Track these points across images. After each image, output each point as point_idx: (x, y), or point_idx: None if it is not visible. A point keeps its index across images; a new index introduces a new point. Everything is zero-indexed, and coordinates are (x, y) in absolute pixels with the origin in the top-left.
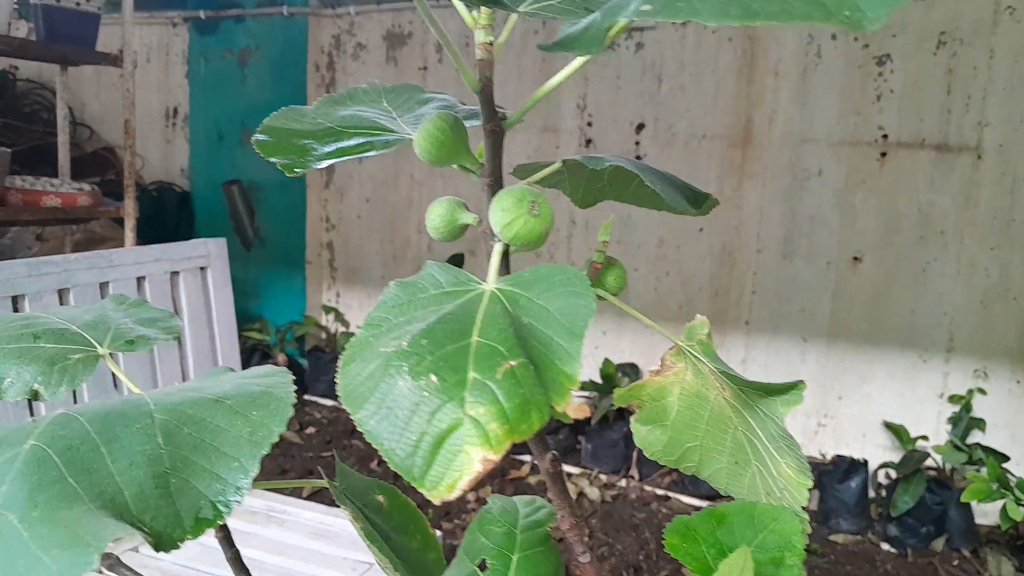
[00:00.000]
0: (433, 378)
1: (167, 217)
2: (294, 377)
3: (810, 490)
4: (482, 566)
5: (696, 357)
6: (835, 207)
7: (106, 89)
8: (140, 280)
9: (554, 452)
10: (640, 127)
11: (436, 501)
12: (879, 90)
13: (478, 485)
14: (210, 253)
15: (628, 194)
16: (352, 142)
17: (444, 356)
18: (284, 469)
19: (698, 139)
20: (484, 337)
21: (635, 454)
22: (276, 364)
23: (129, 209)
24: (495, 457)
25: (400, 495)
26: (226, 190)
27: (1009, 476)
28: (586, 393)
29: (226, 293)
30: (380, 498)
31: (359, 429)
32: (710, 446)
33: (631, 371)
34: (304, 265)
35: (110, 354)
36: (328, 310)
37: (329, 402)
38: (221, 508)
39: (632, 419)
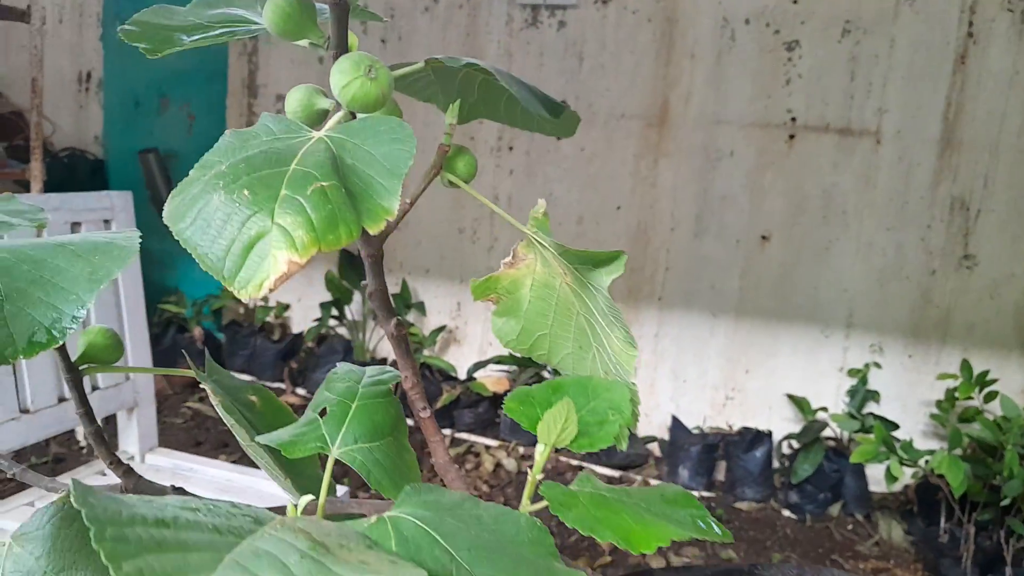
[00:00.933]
0: (246, 193)
1: (79, 185)
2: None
3: (634, 365)
4: (322, 413)
5: (543, 246)
6: (745, 187)
7: (15, 51)
8: (39, 231)
9: (399, 317)
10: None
11: (245, 299)
12: (788, 75)
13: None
14: (115, 206)
15: (500, 111)
16: (216, 32)
17: (259, 177)
18: (199, 441)
19: (617, 118)
20: (301, 165)
21: None
22: (192, 338)
23: (36, 172)
24: (301, 261)
25: (274, 398)
26: (142, 159)
27: (896, 441)
28: (505, 367)
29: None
30: (253, 397)
31: (178, 239)
32: (558, 333)
33: None
34: None
35: None
36: None
37: (247, 377)
38: (55, 334)
39: (491, 314)
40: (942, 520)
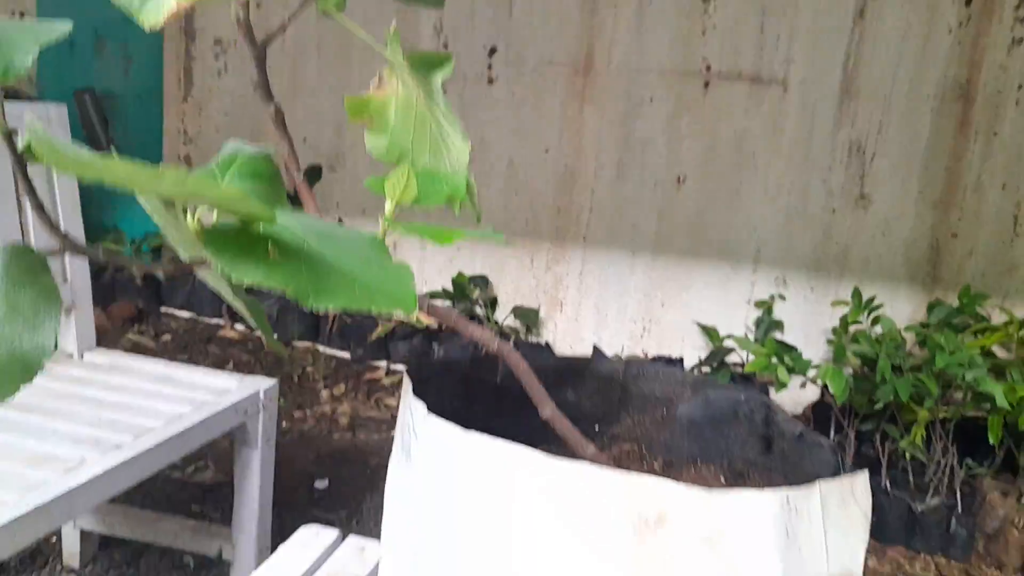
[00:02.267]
0: None
1: None
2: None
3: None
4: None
5: (400, 66)
6: (664, 132)
7: None
8: None
9: (277, 102)
10: (492, 51)
11: (147, 28)
12: (704, 25)
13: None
14: (50, 117)
15: None
16: None
17: None
18: None
19: (545, 65)
20: None
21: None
22: (131, 275)
23: None
24: (187, 3)
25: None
26: (78, 99)
27: (785, 351)
28: (439, 302)
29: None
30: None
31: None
32: (418, 146)
33: (481, 282)
34: (162, 140)
35: None
36: None
37: (186, 313)
38: (11, 73)
39: (365, 134)
40: (831, 433)
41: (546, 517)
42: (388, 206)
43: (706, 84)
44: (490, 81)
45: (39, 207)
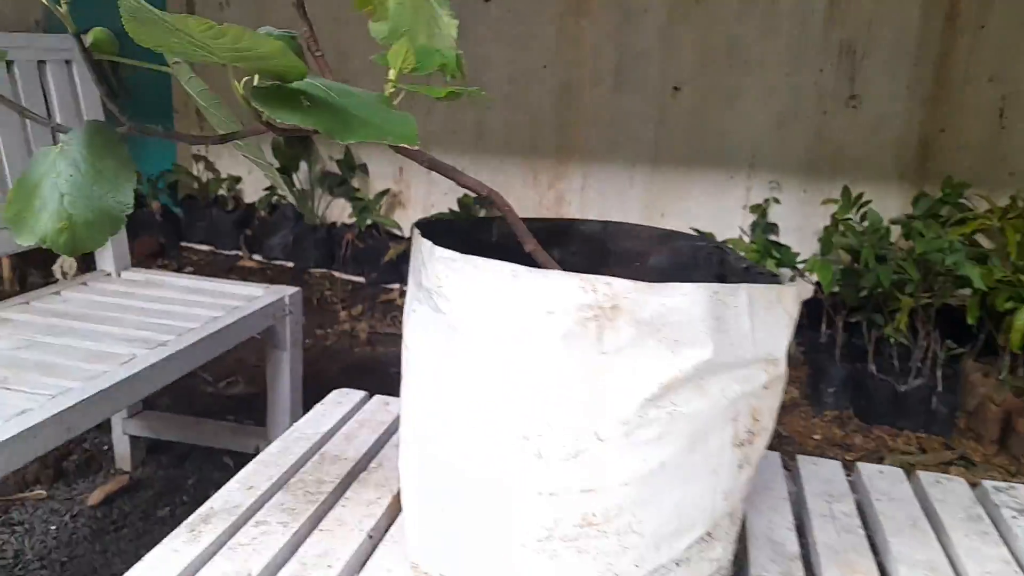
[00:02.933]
0: None
1: None
2: None
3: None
4: None
5: None
6: (659, 41)
7: None
8: (9, 64)
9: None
10: None
11: None
12: None
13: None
14: (75, 47)
15: None
16: None
17: None
18: None
19: None
20: None
21: None
22: (151, 212)
23: None
24: None
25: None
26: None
27: (774, 245)
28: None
29: (92, 89)
30: None
31: None
32: (416, 27)
33: (486, 202)
34: (172, 115)
35: None
36: (198, 159)
37: (205, 247)
38: None
39: (370, 22)
40: (823, 327)
41: (534, 318)
42: (392, 73)
43: None
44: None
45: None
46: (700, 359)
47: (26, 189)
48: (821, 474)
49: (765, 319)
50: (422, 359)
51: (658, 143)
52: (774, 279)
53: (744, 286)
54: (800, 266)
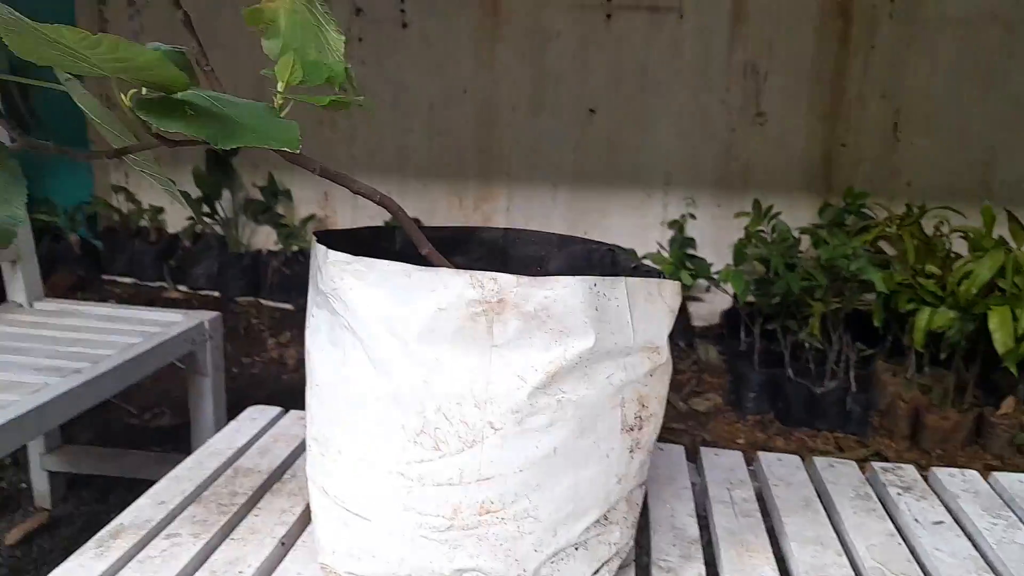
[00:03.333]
0: None
1: None
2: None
3: (345, 44)
4: None
5: None
6: (572, 65)
7: None
8: None
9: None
10: None
11: None
12: None
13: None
14: None
15: None
16: None
17: None
18: None
19: (456, 6)
20: None
21: None
22: (69, 245)
23: None
24: None
25: None
26: None
27: (689, 258)
28: None
29: None
30: None
31: None
32: (305, 45)
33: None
34: (88, 144)
35: None
36: (117, 190)
37: (128, 279)
38: None
39: (262, 40)
40: (742, 335)
41: (427, 315)
42: (280, 85)
43: (608, 16)
44: (404, 25)
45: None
46: (583, 348)
47: None
48: (723, 464)
49: (646, 309)
50: (322, 362)
51: (577, 164)
52: (658, 275)
53: (623, 279)
54: (715, 276)
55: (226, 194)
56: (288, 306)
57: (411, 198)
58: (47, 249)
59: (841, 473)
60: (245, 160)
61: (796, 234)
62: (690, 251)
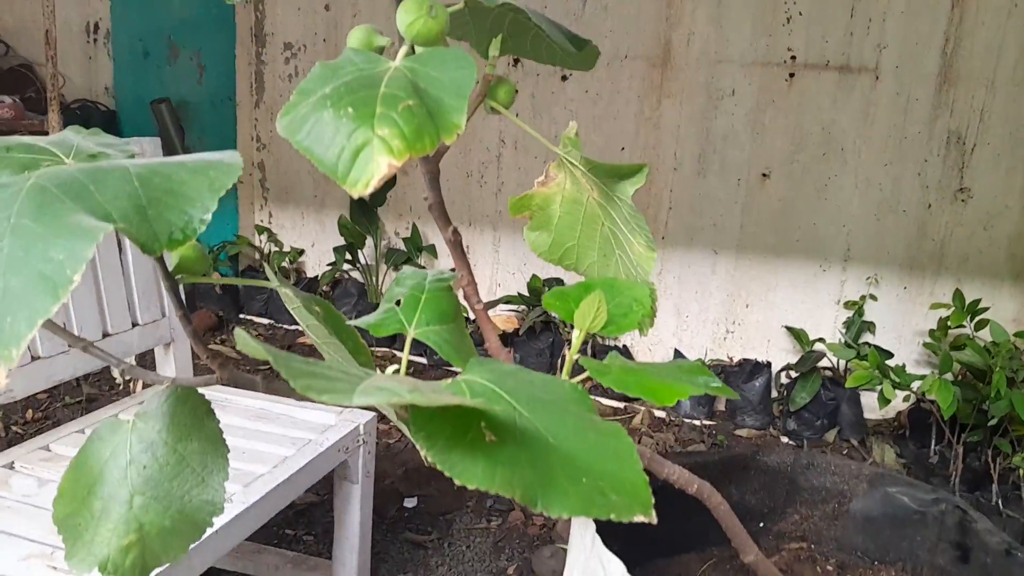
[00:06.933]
0: (350, 110)
1: None
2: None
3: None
4: (398, 303)
5: (572, 164)
6: (746, 126)
7: (20, 2)
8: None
9: (454, 226)
10: None
11: (355, 195)
12: (789, 13)
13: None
14: (145, 151)
15: (527, 47)
16: None
17: (358, 98)
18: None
19: (620, 59)
20: (388, 88)
21: (559, 362)
22: (211, 285)
23: (53, 123)
24: (397, 164)
25: (333, 309)
26: (155, 108)
27: (889, 366)
28: (515, 306)
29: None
30: (317, 308)
31: (297, 148)
32: (585, 244)
33: (556, 284)
34: (236, 185)
35: (75, 163)
36: (261, 230)
37: (265, 320)
38: (188, 232)
39: (525, 229)
40: (932, 443)
41: None
42: (576, 335)
43: (790, 75)
44: (564, 78)
45: (184, 318)
46: None
47: (84, 479)
48: None
49: None
50: None
51: (744, 230)
52: None
53: None
54: (915, 384)
55: (369, 241)
56: (423, 360)
57: None
58: (190, 287)
59: None
60: (391, 209)
61: (1011, 337)
62: (869, 337)
